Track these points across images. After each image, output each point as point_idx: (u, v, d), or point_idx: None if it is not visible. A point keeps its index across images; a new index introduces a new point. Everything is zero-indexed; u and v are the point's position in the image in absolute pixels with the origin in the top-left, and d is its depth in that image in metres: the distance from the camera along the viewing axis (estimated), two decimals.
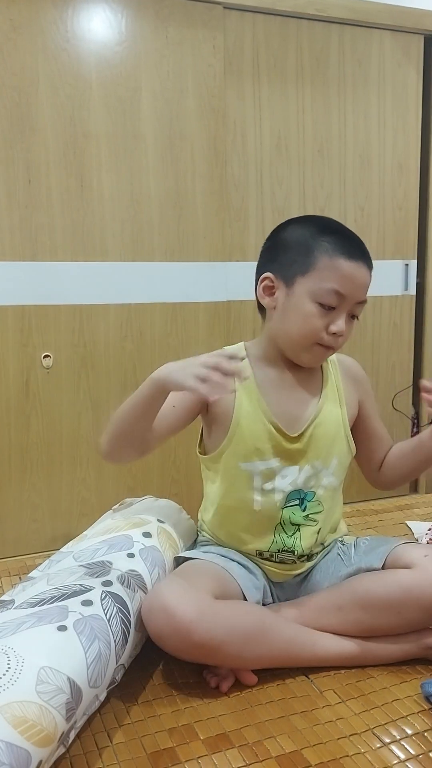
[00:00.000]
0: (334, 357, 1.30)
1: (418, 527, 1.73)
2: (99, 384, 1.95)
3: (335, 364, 1.30)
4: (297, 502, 1.23)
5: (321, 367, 1.28)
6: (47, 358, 1.88)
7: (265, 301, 1.20)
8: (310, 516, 1.24)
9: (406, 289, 2.30)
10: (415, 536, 1.67)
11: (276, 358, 1.24)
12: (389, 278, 2.27)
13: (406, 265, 2.28)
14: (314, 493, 1.24)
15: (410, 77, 2.23)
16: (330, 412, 1.25)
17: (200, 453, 1.31)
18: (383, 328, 2.28)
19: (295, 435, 1.21)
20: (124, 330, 1.96)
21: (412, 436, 2.38)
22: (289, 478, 1.22)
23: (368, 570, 1.19)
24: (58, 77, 1.81)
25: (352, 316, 1.18)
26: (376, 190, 2.23)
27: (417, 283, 2.33)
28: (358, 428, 1.32)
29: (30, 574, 1.23)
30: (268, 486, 1.22)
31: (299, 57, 2.08)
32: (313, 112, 2.12)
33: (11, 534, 1.89)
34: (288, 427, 1.21)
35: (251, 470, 1.22)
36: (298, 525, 1.24)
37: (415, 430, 2.39)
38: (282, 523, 1.23)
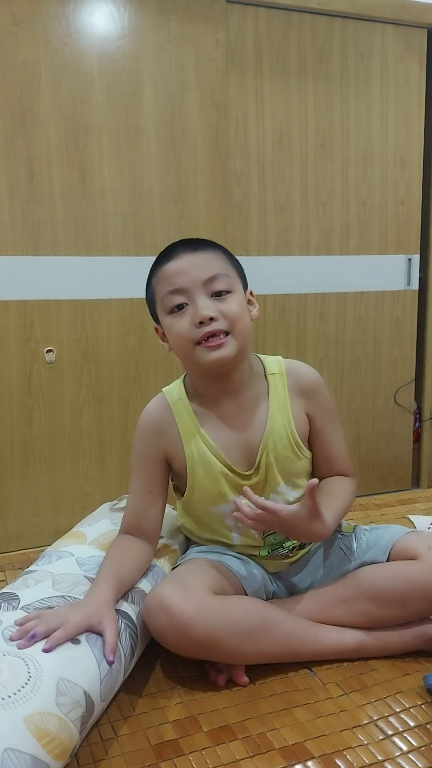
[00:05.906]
0: (283, 368, 1.24)
1: (421, 521, 1.74)
2: (101, 379, 1.96)
3: (283, 375, 1.23)
4: None
5: (266, 379, 1.23)
6: (49, 353, 1.88)
7: (165, 347, 1.23)
8: None
9: (409, 284, 2.29)
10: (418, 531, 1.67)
11: (208, 390, 1.21)
12: (391, 273, 2.26)
13: (409, 260, 2.28)
14: None
15: (413, 71, 2.23)
16: (278, 432, 1.20)
17: (174, 490, 1.30)
18: (385, 322, 2.27)
19: (250, 472, 1.20)
20: (126, 325, 1.96)
21: (414, 430, 2.38)
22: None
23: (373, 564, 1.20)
24: (59, 72, 1.81)
25: (218, 294, 1.13)
26: (379, 185, 2.23)
27: (419, 278, 2.32)
28: (310, 440, 1.26)
29: (29, 568, 1.23)
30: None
31: (301, 51, 2.08)
32: (315, 106, 2.12)
33: (14, 528, 1.90)
34: (241, 463, 1.20)
35: (221, 513, 1.22)
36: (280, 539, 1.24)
37: (417, 425, 2.39)
38: (264, 544, 1.25)
